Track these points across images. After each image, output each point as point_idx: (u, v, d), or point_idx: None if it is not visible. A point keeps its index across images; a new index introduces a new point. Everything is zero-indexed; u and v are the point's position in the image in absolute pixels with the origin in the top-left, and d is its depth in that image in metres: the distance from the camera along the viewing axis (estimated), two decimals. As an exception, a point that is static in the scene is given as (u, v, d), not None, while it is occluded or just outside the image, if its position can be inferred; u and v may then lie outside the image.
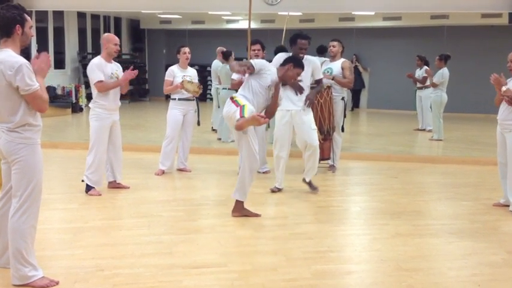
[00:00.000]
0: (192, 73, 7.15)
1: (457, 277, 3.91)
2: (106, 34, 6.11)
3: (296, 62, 5.44)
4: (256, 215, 5.25)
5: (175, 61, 7.28)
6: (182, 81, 6.89)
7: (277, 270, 3.93)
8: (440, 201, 6.23)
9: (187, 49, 7.09)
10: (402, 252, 4.37)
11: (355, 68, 14.29)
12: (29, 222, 3.43)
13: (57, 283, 3.54)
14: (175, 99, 7.07)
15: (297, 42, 6.00)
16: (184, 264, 3.97)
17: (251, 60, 5.35)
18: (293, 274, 3.86)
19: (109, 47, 5.86)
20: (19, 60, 3.32)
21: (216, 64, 10.40)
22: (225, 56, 9.91)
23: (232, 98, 5.08)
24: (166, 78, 7.06)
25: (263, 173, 7.16)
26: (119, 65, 6.12)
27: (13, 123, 3.36)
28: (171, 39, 18.23)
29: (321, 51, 9.33)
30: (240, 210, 5.22)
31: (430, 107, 10.89)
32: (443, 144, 10.12)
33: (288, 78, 5.46)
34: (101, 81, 5.79)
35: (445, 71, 10.38)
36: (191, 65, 7.31)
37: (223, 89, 9.71)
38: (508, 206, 5.65)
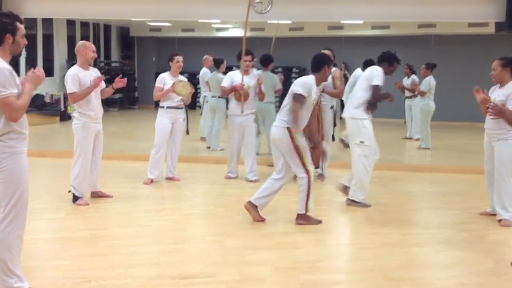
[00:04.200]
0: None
1: (445, 286, 3.93)
2: (82, 42, 6.02)
3: (328, 60, 5.38)
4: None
5: (165, 69, 7.26)
6: (174, 84, 6.86)
7: (265, 280, 3.92)
8: (428, 210, 6.26)
9: (180, 58, 7.06)
10: (390, 261, 4.39)
11: (344, 76, 14.33)
12: (15, 233, 3.38)
13: (43, 294, 3.51)
14: (163, 107, 7.04)
15: (394, 64, 6.12)
16: (172, 275, 3.95)
17: (298, 92, 5.11)
18: (281, 284, 3.85)
19: (87, 54, 5.81)
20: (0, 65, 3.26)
21: (204, 72, 10.41)
22: (216, 64, 9.92)
23: (292, 137, 5.15)
24: (156, 84, 7.04)
25: (253, 181, 7.16)
26: (96, 70, 6.10)
27: None
28: (161, 47, 18.23)
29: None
30: (306, 218, 5.34)
31: (419, 116, 10.95)
32: (431, 153, 10.18)
33: (326, 78, 5.54)
34: (73, 92, 5.72)
35: (431, 80, 10.46)
36: (181, 72, 7.29)
37: (212, 97, 9.72)
38: (495, 215, 5.68)
